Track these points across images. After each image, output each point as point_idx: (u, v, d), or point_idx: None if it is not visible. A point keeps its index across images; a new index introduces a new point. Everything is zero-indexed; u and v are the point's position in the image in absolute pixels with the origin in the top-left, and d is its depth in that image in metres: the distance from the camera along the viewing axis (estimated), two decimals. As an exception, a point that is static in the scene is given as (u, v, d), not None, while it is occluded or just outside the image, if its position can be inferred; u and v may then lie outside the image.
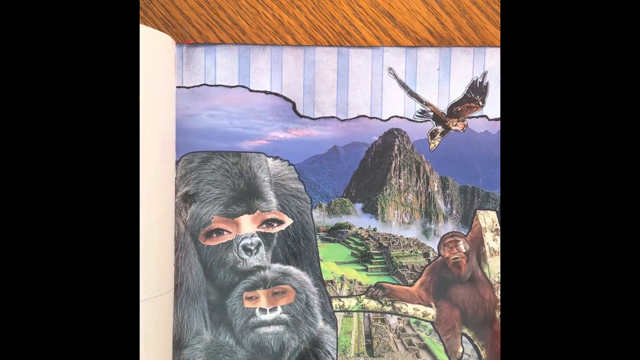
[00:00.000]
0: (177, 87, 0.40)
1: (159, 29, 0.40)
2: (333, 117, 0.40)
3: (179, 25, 0.40)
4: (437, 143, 0.40)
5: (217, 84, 0.40)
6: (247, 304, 0.40)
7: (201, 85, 0.40)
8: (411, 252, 0.40)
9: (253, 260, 0.40)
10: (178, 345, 0.40)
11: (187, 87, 0.40)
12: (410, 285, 0.40)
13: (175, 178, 0.40)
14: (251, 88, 0.40)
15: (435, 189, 0.40)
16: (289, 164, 0.40)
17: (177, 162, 0.40)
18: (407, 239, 0.40)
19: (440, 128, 0.40)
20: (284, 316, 0.40)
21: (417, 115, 0.40)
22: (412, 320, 0.40)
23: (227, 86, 0.40)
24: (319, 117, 0.40)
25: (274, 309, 0.40)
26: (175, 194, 0.40)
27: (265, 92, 0.40)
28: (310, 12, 0.40)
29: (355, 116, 0.40)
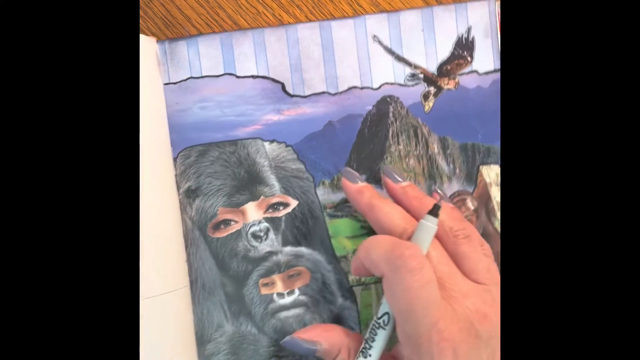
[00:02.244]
0: (165, 84, 0.40)
1: (159, 29, 0.40)
2: (324, 92, 0.40)
3: (179, 24, 0.40)
4: (431, 104, 0.40)
5: (203, 75, 0.40)
6: (264, 291, 0.40)
7: (188, 78, 0.40)
8: (420, 216, 0.40)
9: (264, 247, 0.40)
10: (201, 340, 0.40)
11: (175, 83, 0.40)
12: (424, 250, 0.40)
13: (175, 175, 0.40)
14: (238, 74, 0.40)
15: (436, 150, 0.40)
16: (286, 146, 0.40)
17: (174, 159, 0.40)
18: (414, 204, 0.40)
19: (432, 89, 0.40)
20: (303, 298, 0.40)
21: (407, 80, 0.40)
22: (430, 284, 0.40)
23: (214, 76, 0.40)
24: (310, 94, 0.40)
25: (291, 292, 0.40)
26: (178, 190, 0.40)
27: (253, 76, 0.40)
28: (311, 12, 0.40)
29: (346, 88, 0.40)
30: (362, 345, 0.34)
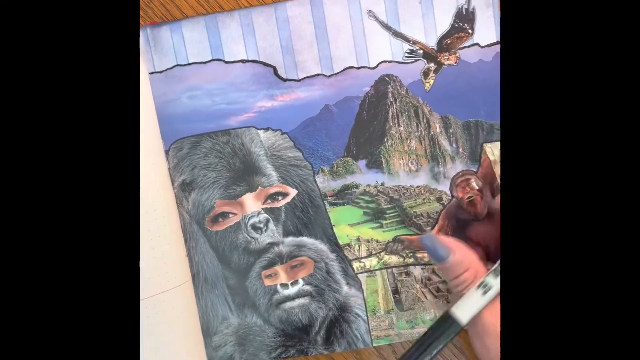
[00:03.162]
0: (150, 73, 0.38)
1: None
2: (318, 74, 0.38)
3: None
4: (431, 82, 0.38)
5: (190, 62, 0.38)
6: (267, 282, 0.39)
7: (174, 66, 0.38)
8: (424, 199, 0.38)
9: (265, 238, 0.39)
10: (207, 333, 0.40)
11: (161, 72, 0.38)
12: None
13: (169, 168, 0.39)
14: (226, 60, 0.38)
15: (438, 130, 0.38)
16: (282, 133, 0.38)
17: (166, 152, 0.39)
18: (417, 187, 0.38)
19: (432, 65, 0.38)
20: (307, 287, 0.39)
21: (406, 56, 0.38)
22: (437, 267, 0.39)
23: (201, 62, 0.38)
24: (304, 77, 0.38)
25: (295, 282, 0.39)
26: (173, 184, 0.39)
27: (242, 60, 0.38)
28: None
29: (342, 69, 0.38)
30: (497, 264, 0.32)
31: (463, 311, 0.32)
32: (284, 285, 0.39)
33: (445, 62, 0.38)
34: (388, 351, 0.40)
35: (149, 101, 0.38)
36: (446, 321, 0.32)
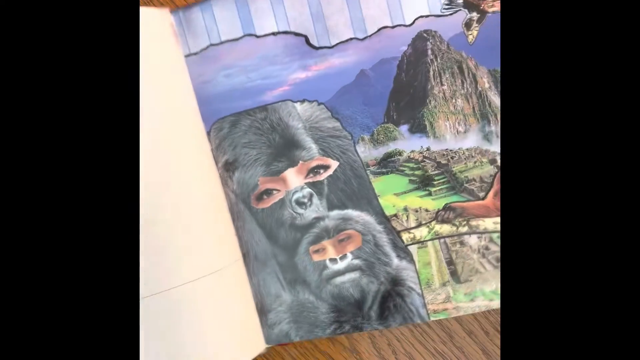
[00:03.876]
0: (186, 55, 0.38)
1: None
2: (351, 38, 0.36)
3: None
4: (475, 33, 0.35)
5: (222, 40, 0.37)
6: (316, 257, 0.38)
7: (208, 47, 0.38)
8: (475, 162, 0.35)
9: (310, 213, 0.38)
10: (262, 311, 0.40)
11: (196, 53, 0.38)
12: (484, 199, 0.36)
13: (212, 150, 0.39)
14: (257, 34, 0.37)
15: (486, 85, 0.35)
16: (318, 104, 0.37)
17: (208, 133, 0.39)
18: (467, 149, 0.35)
19: (475, 15, 0.34)
20: (356, 261, 0.38)
21: (444, 8, 0.35)
22: (495, 235, 0.36)
23: (234, 39, 0.37)
24: (337, 43, 0.36)
25: (344, 257, 0.38)
26: (217, 165, 0.39)
27: (273, 33, 0.37)
28: None
29: (376, 30, 0.35)
30: None
31: None
32: (333, 260, 0.38)
33: (490, 10, 0.34)
34: (388, 352, 0.38)
35: (187, 84, 0.38)
36: None
